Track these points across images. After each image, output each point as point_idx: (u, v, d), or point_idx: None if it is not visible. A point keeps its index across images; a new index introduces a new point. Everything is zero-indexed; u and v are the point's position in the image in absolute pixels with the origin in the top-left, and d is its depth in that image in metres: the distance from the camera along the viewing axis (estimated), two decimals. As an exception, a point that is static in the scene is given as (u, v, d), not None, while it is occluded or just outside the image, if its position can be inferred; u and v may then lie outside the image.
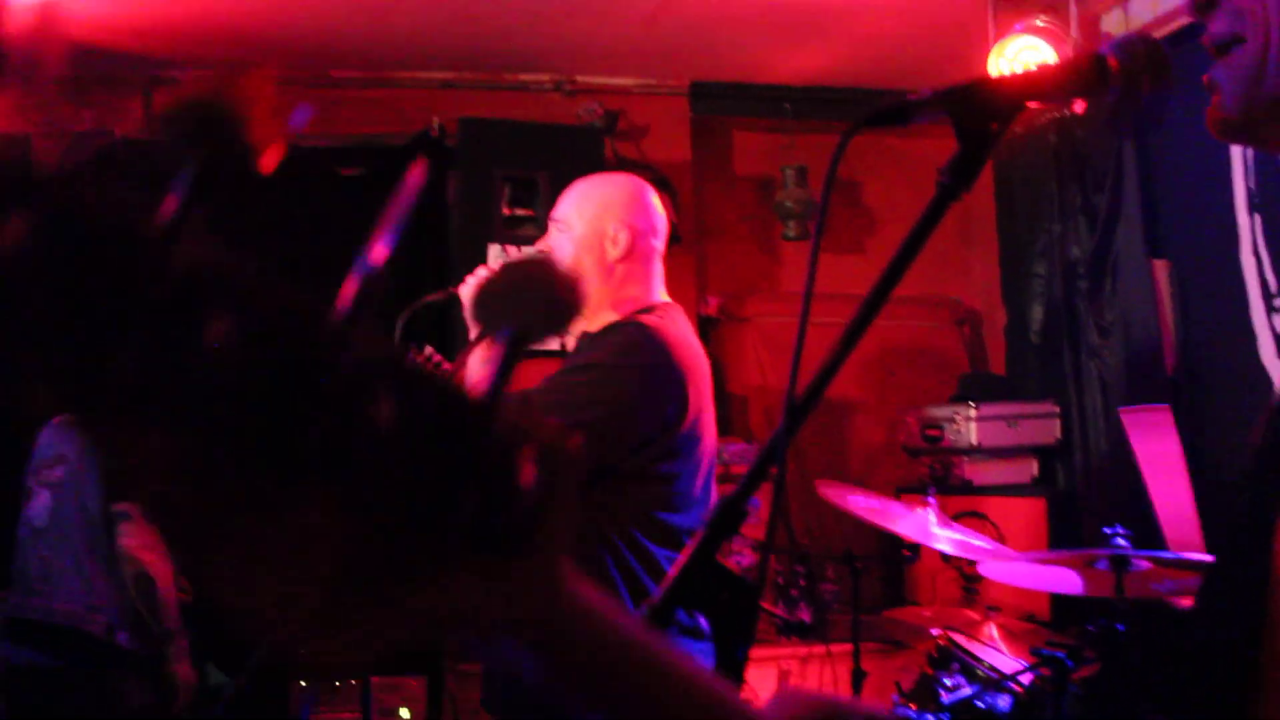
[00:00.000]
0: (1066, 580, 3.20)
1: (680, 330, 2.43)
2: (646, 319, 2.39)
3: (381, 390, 0.40)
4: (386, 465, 0.40)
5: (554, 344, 2.79)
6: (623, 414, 2.26)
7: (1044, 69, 1.13)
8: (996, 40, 4.14)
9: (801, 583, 5.04)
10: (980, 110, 1.10)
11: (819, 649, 4.63)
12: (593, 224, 2.47)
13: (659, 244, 2.56)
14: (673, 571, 1.05)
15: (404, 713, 4.52)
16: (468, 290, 2.57)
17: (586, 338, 2.48)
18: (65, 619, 3.55)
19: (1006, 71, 4.09)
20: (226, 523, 0.39)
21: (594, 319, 2.47)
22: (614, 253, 2.47)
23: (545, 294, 0.48)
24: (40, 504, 3.69)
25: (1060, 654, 2.80)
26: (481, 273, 2.65)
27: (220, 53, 4.88)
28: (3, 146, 4.55)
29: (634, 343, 2.33)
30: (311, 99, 5.11)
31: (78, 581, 3.58)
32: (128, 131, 4.93)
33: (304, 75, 5.07)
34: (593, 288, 2.46)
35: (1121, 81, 1.10)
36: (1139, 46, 1.10)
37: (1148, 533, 2.94)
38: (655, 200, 2.58)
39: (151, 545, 3.60)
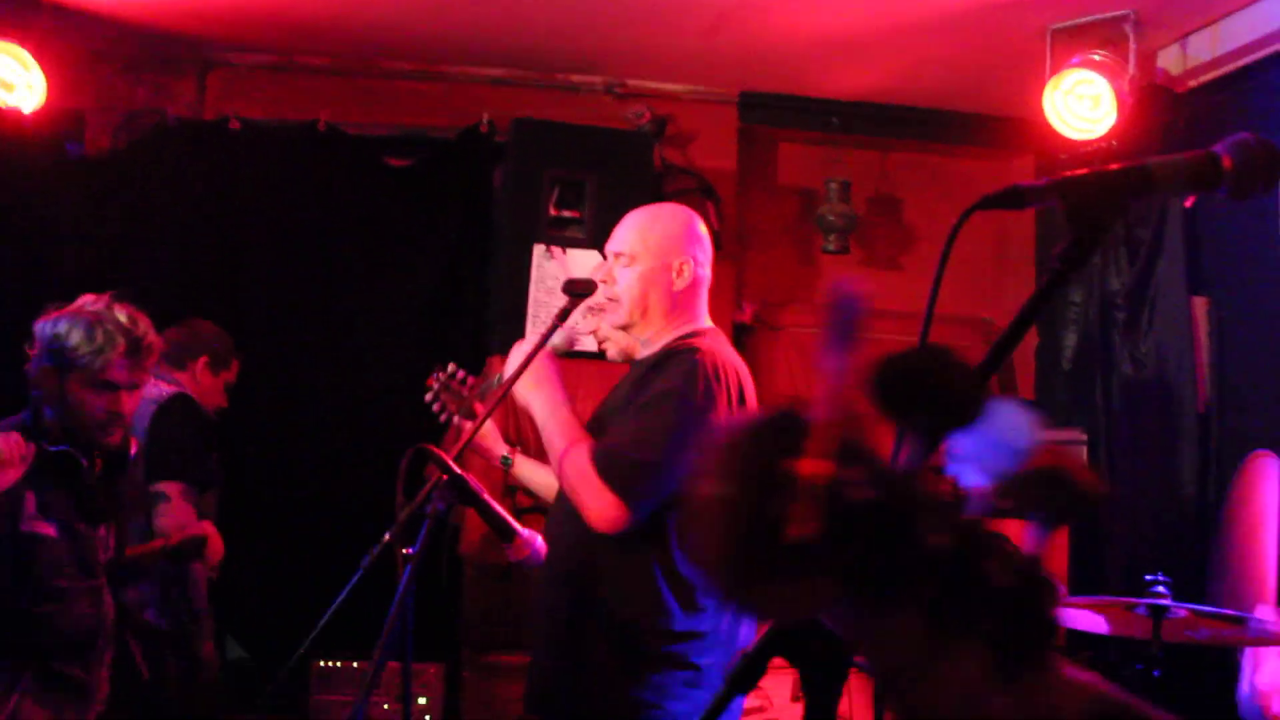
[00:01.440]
0: (1090, 620, 3.19)
1: (730, 353, 2.54)
2: (701, 344, 2.47)
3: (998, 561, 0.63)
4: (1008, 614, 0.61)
5: (592, 347, 2.83)
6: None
7: (1160, 164, 1.15)
8: (1053, 73, 4.12)
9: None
10: (1094, 201, 1.12)
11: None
12: (660, 257, 2.57)
13: (708, 271, 2.67)
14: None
15: (420, 700, 4.54)
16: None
17: (643, 364, 2.54)
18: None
19: (1061, 105, 4.08)
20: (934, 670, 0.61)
21: (651, 345, 2.57)
22: (680, 284, 2.57)
23: (956, 389, 0.68)
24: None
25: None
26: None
27: (272, 37, 4.91)
28: (60, 121, 4.60)
29: (703, 370, 2.40)
30: (361, 88, 5.14)
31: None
32: (180, 112, 4.96)
33: (355, 64, 5.10)
34: (657, 317, 2.54)
35: (1234, 183, 1.12)
36: (1256, 149, 1.12)
37: (1183, 578, 2.94)
38: (704, 227, 2.69)
39: (186, 526, 3.64)
